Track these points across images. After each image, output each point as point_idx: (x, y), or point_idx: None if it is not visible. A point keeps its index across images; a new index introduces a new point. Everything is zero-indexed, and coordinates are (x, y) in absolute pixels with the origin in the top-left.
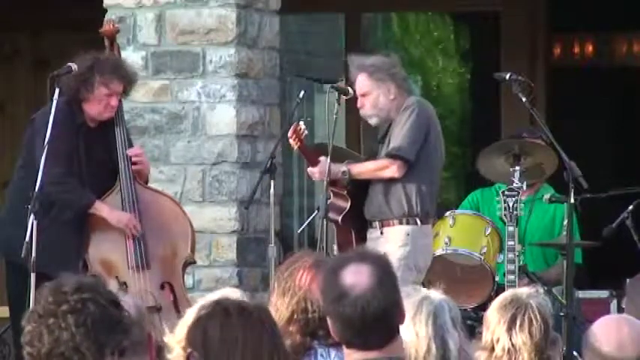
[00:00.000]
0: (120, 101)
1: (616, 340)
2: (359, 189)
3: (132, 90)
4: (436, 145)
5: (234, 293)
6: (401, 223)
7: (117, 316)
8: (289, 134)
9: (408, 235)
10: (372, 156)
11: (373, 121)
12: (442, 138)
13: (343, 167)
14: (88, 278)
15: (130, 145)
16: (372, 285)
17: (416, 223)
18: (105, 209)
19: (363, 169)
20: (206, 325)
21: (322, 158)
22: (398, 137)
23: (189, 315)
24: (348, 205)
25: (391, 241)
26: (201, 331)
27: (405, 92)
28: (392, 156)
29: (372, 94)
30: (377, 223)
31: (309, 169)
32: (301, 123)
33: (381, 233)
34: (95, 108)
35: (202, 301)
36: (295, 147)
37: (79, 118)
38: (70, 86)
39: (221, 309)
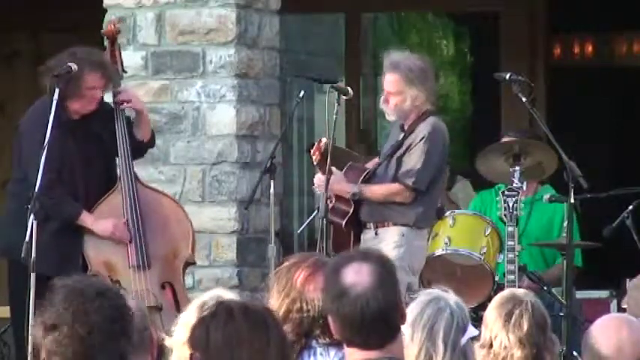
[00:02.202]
0: (119, 103)
1: (615, 342)
2: None
3: (112, 82)
4: (444, 168)
5: (226, 294)
6: (396, 224)
7: (122, 329)
8: (313, 151)
9: (403, 235)
10: (372, 158)
11: (390, 118)
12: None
13: (355, 189)
14: (96, 285)
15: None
16: (372, 285)
17: (411, 227)
18: (89, 220)
19: (375, 193)
20: (209, 326)
21: (336, 171)
22: (415, 167)
23: (185, 315)
24: (351, 209)
25: (386, 241)
26: (203, 331)
27: (428, 103)
28: (406, 185)
29: (401, 96)
30: (372, 224)
31: (317, 179)
32: (324, 139)
33: (376, 234)
34: (79, 103)
35: (198, 301)
36: (315, 162)
37: (63, 115)
38: (52, 85)
39: (224, 309)
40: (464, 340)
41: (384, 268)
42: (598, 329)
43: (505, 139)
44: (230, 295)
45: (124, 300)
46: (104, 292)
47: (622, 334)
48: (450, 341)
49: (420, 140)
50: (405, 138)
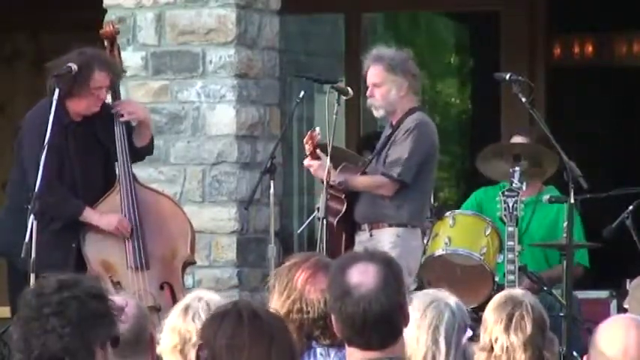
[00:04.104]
0: (118, 99)
1: (621, 343)
2: (354, 193)
3: (119, 83)
4: (432, 164)
5: (207, 294)
6: (390, 225)
7: (101, 309)
8: (306, 140)
9: (399, 236)
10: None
11: (379, 113)
12: (438, 151)
13: (340, 178)
14: (68, 275)
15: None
16: (376, 286)
17: (405, 226)
18: (94, 216)
19: (360, 183)
20: (218, 326)
21: (323, 156)
22: (399, 160)
23: (170, 320)
24: (343, 208)
25: (381, 242)
26: (212, 331)
27: (413, 92)
28: (390, 177)
29: (385, 86)
30: (366, 225)
31: (307, 162)
32: (317, 129)
33: (371, 235)
34: (84, 103)
35: (181, 304)
36: (308, 152)
37: (65, 117)
38: (52, 85)
39: (235, 313)
40: (464, 339)
41: (389, 269)
42: (606, 329)
43: (516, 139)
44: (212, 296)
45: (98, 290)
46: (74, 285)
47: (630, 335)
48: (453, 341)
49: (405, 133)
50: (392, 133)
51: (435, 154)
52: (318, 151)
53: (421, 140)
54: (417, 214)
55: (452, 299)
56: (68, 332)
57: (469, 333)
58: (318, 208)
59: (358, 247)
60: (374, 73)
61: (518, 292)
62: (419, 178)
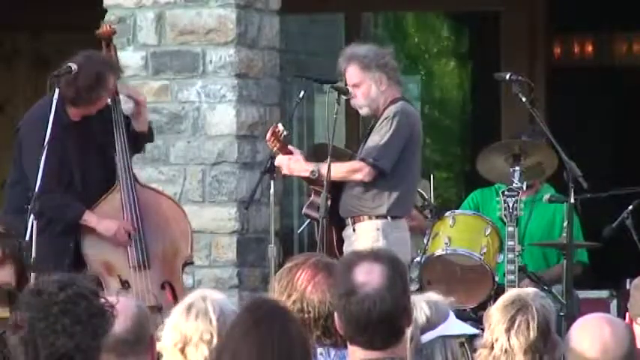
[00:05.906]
0: (118, 102)
1: (599, 342)
2: (338, 188)
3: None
4: (412, 152)
5: (211, 293)
6: (370, 218)
7: (102, 305)
8: (267, 137)
9: (379, 229)
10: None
11: (364, 112)
12: (421, 141)
13: (313, 167)
14: (62, 275)
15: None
16: (381, 286)
17: (385, 218)
18: (93, 220)
19: (335, 170)
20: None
21: (296, 151)
22: (376, 146)
23: (172, 319)
24: (328, 203)
25: (363, 237)
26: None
27: (394, 84)
28: (367, 162)
29: (364, 84)
30: (349, 219)
31: (277, 160)
32: (279, 125)
33: (354, 230)
34: (93, 109)
35: (183, 304)
36: (274, 149)
37: (64, 117)
38: (52, 85)
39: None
40: (426, 337)
41: (395, 270)
42: (580, 331)
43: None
44: (216, 295)
45: (93, 286)
46: (75, 283)
47: (604, 333)
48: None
49: (384, 120)
50: (374, 124)
51: (415, 142)
52: (292, 147)
53: (399, 127)
54: (399, 205)
55: (429, 296)
56: (79, 330)
57: (441, 332)
58: (318, 208)
59: (346, 243)
60: (350, 75)
61: (528, 293)
62: (398, 167)
